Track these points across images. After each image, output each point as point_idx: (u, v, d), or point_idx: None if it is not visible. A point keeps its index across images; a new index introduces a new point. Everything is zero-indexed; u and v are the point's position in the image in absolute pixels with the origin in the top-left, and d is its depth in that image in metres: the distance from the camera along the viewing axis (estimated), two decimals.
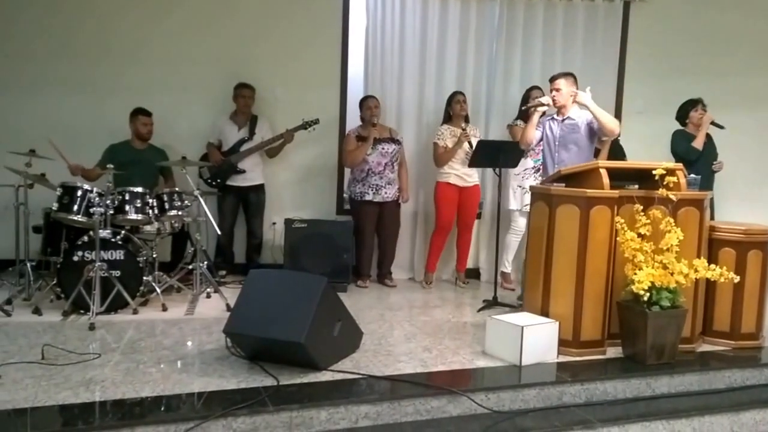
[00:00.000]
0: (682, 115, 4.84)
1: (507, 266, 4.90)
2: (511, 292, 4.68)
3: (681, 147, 4.69)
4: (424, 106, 5.07)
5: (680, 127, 4.85)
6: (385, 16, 5.04)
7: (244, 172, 4.72)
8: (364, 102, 4.74)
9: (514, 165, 4.47)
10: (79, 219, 3.71)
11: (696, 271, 3.08)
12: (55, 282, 3.77)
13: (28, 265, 3.91)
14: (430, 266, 4.89)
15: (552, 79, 3.78)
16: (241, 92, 4.72)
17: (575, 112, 3.77)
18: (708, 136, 4.81)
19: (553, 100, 3.75)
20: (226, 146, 4.74)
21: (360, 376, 2.81)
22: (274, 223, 4.95)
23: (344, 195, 5.14)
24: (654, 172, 3.16)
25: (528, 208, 4.65)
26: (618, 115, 5.24)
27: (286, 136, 4.68)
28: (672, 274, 3.06)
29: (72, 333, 3.32)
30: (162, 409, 2.43)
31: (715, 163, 4.76)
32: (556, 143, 3.78)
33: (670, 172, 3.19)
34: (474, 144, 4.59)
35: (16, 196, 3.93)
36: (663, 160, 3.33)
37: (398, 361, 3.04)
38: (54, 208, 3.74)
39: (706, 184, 4.27)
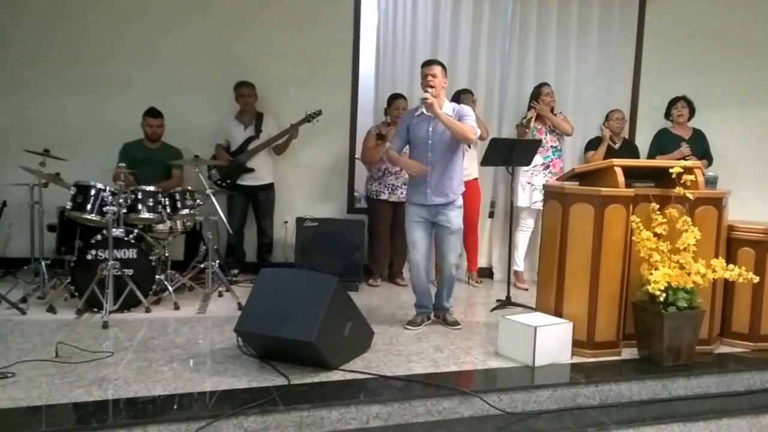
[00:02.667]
0: (666, 113, 4.89)
1: (519, 265, 4.85)
2: (525, 292, 4.64)
3: (649, 151, 4.84)
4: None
5: (666, 126, 4.89)
6: (397, 14, 5.01)
7: (253, 170, 4.71)
8: (393, 101, 4.67)
9: (528, 163, 4.42)
10: (93, 218, 3.74)
11: (714, 271, 3.03)
12: (69, 280, 3.79)
13: (43, 263, 3.94)
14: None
15: (430, 64, 3.44)
16: (240, 91, 4.69)
17: (447, 109, 3.45)
18: (698, 133, 4.81)
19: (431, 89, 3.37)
20: (234, 146, 4.73)
21: (371, 376, 2.80)
22: (285, 222, 4.95)
23: (355, 194, 5.13)
24: (671, 170, 3.10)
25: (537, 204, 4.65)
26: (634, 111, 5.18)
27: (291, 131, 4.66)
28: (689, 274, 3.01)
29: (85, 331, 3.34)
30: (174, 407, 2.44)
31: (687, 157, 4.59)
32: (430, 142, 3.46)
33: (688, 170, 3.13)
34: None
35: (31, 195, 3.96)
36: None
37: (409, 361, 3.02)
38: (68, 207, 3.77)
39: None
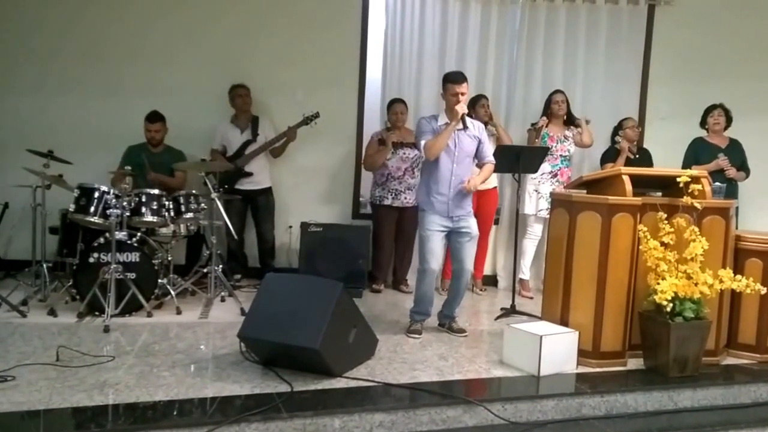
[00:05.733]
0: (702, 121, 4.76)
1: (525, 273, 4.82)
2: (530, 300, 4.61)
3: (684, 161, 4.67)
4: (443, 109, 5.01)
5: (701, 135, 4.76)
6: (405, 19, 5.00)
7: (251, 174, 4.68)
8: (392, 105, 4.68)
9: (534, 170, 4.40)
10: (96, 220, 3.72)
11: (721, 281, 3.01)
12: (70, 283, 3.77)
13: (44, 266, 3.92)
14: (447, 273, 4.83)
15: (462, 81, 3.48)
16: (236, 92, 4.66)
17: (469, 123, 3.54)
18: (735, 143, 4.70)
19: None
20: (231, 150, 4.68)
21: (375, 384, 2.78)
22: (290, 227, 4.92)
23: (360, 199, 5.11)
24: (678, 179, 3.09)
25: (543, 212, 4.63)
26: (642, 120, 5.14)
27: (288, 134, 4.62)
28: (696, 284, 2.99)
29: (87, 335, 3.32)
30: (175, 413, 2.42)
31: (726, 170, 4.54)
32: (456, 153, 3.51)
33: (695, 179, 3.11)
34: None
35: (34, 197, 3.94)
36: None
37: (414, 369, 3.00)
38: (71, 209, 3.75)
39: (727, 192, 4.16)
